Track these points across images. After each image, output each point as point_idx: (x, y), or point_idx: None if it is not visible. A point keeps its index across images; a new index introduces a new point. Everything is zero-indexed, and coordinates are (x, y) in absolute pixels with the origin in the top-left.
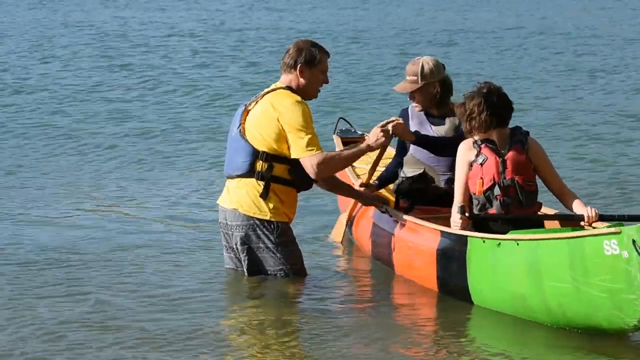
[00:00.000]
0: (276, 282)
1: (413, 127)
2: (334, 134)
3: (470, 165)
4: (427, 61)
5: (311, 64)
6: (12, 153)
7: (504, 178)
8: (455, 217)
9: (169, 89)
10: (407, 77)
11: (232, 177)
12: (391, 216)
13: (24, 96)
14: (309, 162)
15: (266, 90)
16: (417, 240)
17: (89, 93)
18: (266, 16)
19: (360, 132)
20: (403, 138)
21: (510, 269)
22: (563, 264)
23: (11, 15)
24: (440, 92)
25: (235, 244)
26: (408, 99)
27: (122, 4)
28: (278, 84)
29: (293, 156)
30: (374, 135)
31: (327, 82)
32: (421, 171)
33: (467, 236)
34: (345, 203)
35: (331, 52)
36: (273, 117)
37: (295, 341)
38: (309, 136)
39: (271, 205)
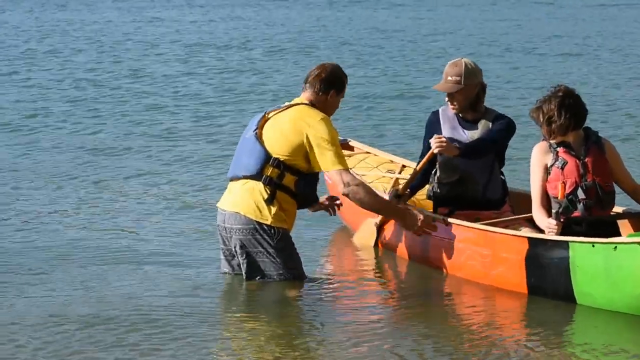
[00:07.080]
0: (276, 286)
1: (445, 131)
2: None
3: (548, 169)
4: (468, 62)
5: (340, 91)
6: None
7: (586, 180)
8: (551, 223)
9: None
10: (449, 78)
11: (237, 178)
12: (448, 225)
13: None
14: (340, 175)
15: (289, 103)
16: (496, 249)
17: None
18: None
19: (341, 138)
20: (448, 154)
21: (631, 271)
22: None
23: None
24: (479, 94)
25: (234, 247)
26: (446, 100)
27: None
28: (302, 100)
29: (323, 168)
30: (415, 226)
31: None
32: (458, 176)
33: (569, 242)
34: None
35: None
36: (302, 129)
37: (297, 347)
38: (338, 151)
39: (273, 211)
